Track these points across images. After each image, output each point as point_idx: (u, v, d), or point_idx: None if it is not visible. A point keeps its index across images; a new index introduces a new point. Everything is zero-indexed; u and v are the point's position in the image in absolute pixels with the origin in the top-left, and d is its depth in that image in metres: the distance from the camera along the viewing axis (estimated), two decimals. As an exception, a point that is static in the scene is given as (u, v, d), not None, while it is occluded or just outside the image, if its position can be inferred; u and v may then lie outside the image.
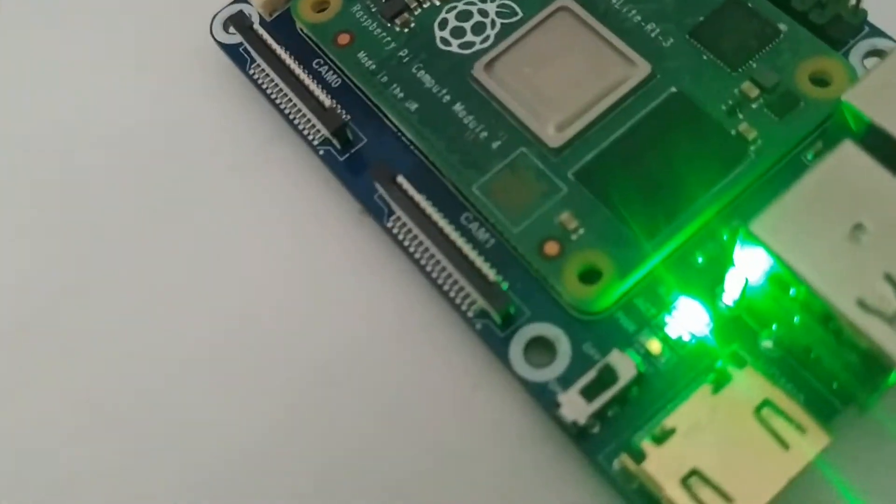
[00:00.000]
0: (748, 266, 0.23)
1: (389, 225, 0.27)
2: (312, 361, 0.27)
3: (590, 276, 0.25)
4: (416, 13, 0.29)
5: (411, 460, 0.26)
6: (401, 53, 0.28)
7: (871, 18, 0.27)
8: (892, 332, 0.20)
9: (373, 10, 0.29)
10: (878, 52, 0.27)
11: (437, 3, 0.29)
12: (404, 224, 0.26)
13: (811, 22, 0.26)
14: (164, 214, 0.30)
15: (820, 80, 0.26)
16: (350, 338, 0.27)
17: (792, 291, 0.22)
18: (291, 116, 0.29)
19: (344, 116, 0.27)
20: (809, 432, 0.22)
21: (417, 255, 0.26)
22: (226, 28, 0.30)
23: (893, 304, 0.21)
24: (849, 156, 0.22)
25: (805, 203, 0.22)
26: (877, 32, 0.27)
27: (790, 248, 0.22)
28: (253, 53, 0.29)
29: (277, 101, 0.29)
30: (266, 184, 0.30)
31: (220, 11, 0.31)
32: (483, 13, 0.28)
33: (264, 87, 0.29)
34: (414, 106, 0.27)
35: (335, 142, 0.28)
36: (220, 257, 0.29)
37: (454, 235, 0.25)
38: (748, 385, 0.23)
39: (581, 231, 0.25)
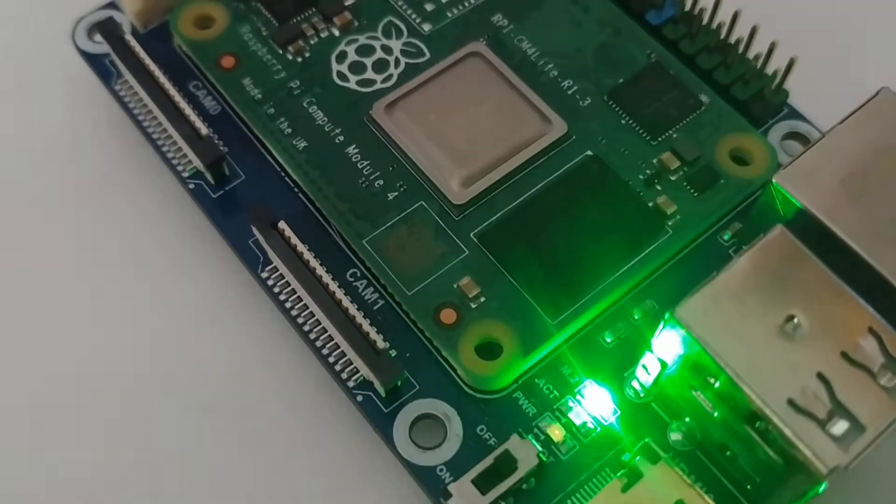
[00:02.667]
0: (667, 352, 0.21)
1: (264, 275, 0.23)
2: (160, 428, 0.24)
3: (489, 350, 0.22)
4: (311, 42, 0.26)
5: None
6: (292, 84, 0.25)
7: (790, 101, 0.26)
8: (824, 439, 0.19)
9: (263, 33, 0.26)
10: (796, 135, 0.26)
11: (337, 34, 0.26)
12: (281, 276, 0.23)
13: (733, 96, 0.25)
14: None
15: (740, 158, 0.24)
16: (207, 395, 0.24)
17: (716, 384, 0.20)
18: (160, 143, 0.25)
19: (221, 148, 0.24)
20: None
21: (294, 313, 0.23)
22: (91, 35, 0.27)
23: (826, 406, 0.19)
24: (781, 242, 0.21)
25: (734, 290, 0.20)
26: (796, 115, 0.26)
27: (717, 338, 0.20)
28: (120, 67, 0.25)
29: (145, 125, 0.25)
30: (125, 219, 0.26)
31: (85, 16, 0.27)
32: (387, 50, 0.26)
33: (131, 106, 0.26)
34: (302, 144, 0.24)
35: (209, 176, 0.24)
36: (70, 305, 0.25)
37: (339, 294, 0.22)
38: (661, 483, 0.20)
39: (482, 300, 0.23)
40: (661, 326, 0.20)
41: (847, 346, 0.20)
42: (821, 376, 0.19)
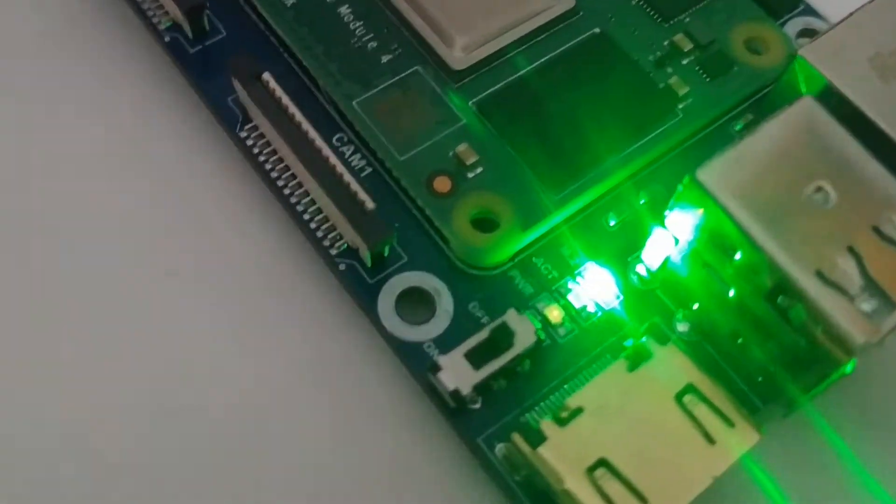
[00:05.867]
0: (682, 225, 0.19)
1: (243, 135, 0.21)
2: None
3: (485, 223, 0.20)
4: None
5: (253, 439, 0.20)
6: (280, -63, 0.23)
7: (806, -3, 0.25)
8: (854, 314, 0.18)
9: None
10: (810, 32, 0.24)
11: None
12: (262, 135, 0.21)
13: (748, -14, 0.24)
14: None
15: (755, 48, 0.23)
16: (175, 260, 0.22)
17: (736, 256, 0.19)
18: (134, -8, 0.23)
19: (201, -2, 0.22)
20: (738, 427, 0.18)
21: (275, 175, 0.21)
22: None
23: (856, 281, 0.18)
24: (810, 112, 0.19)
25: (760, 156, 0.19)
26: (811, 12, 0.24)
27: (742, 203, 0.18)
28: (92, -89, 0.23)
29: (117, -29, 0.23)
30: (93, 73, 0.24)
31: None
32: None
33: (102, -47, 0.23)
34: (290, 0, 0.23)
35: (186, 28, 0.22)
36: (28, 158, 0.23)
37: (326, 150, 0.20)
38: (670, 365, 0.19)
39: (479, 170, 0.21)
40: (676, 193, 0.19)
41: (877, 221, 0.18)
42: (851, 250, 0.18)
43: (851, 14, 0.21)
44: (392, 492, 0.20)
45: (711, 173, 0.19)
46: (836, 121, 0.19)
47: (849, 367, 0.18)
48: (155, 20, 0.23)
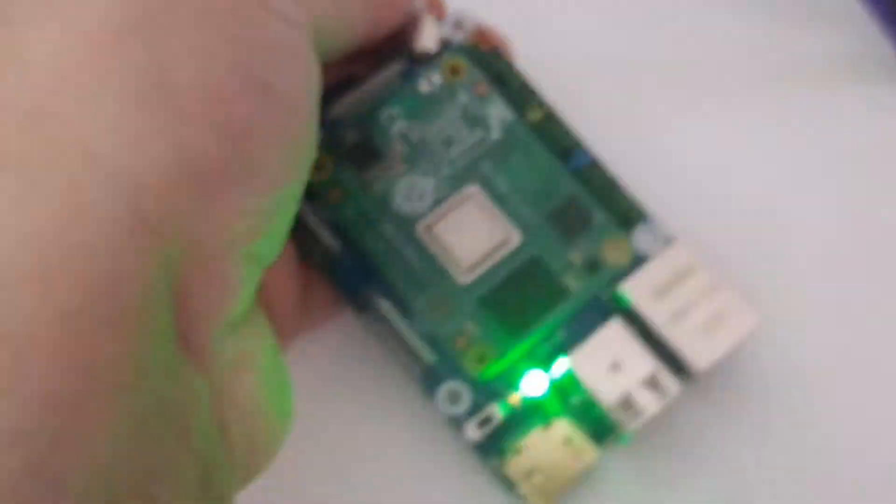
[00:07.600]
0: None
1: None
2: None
3: (482, 358, 0.46)
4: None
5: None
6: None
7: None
8: (625, 413, 0.43)
9: (361, 179, 0.48)
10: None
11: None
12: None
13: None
14: None
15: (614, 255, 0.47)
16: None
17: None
18: None
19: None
20: (587, 452, 0.44)
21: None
22: None
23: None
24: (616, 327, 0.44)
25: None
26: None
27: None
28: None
29: None
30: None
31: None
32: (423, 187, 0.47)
33: None
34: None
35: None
36: None
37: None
38: (562, 428, 0.44)
39: (478, 332, 0.46)
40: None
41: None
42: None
43: (650, 263, 0.45)
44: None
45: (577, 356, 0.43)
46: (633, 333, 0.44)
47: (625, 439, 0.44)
48: None
